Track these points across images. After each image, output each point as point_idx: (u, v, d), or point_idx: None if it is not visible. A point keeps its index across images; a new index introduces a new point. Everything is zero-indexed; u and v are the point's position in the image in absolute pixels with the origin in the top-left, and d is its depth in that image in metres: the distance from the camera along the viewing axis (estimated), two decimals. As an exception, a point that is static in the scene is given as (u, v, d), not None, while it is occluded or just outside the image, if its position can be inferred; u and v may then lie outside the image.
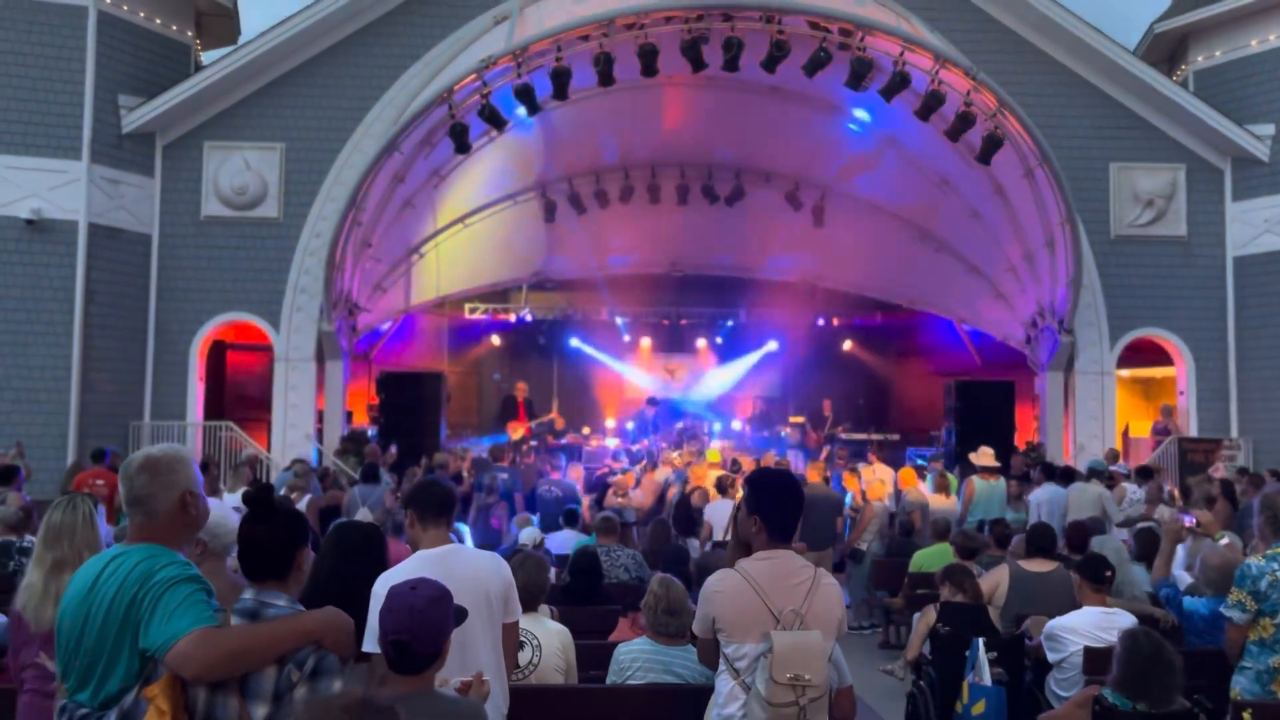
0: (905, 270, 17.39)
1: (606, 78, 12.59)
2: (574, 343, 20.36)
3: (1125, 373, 16.94)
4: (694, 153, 16.60)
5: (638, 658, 4.59)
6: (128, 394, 14.84)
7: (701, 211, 17.15)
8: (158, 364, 15.07)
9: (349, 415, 15.67)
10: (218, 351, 16.12)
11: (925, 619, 6.52)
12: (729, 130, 15.80)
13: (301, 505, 9.80)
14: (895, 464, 15.53)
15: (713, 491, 11.26)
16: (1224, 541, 6.43)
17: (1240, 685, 4.65)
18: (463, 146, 13.22)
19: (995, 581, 6.62)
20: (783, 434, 18.98)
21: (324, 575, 3.60)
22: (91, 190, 14.42)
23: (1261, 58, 15.83)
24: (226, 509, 4.09)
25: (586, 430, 19.17)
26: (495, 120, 12.85)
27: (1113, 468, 12.41)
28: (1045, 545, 6.76)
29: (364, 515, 8.89)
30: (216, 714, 2.57)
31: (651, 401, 18.94)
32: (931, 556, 8.71)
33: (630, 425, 19.08)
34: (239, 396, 16.58)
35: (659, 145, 16.35)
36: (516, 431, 16.96)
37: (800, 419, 19.26)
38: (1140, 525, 8.83)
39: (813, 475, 11.36)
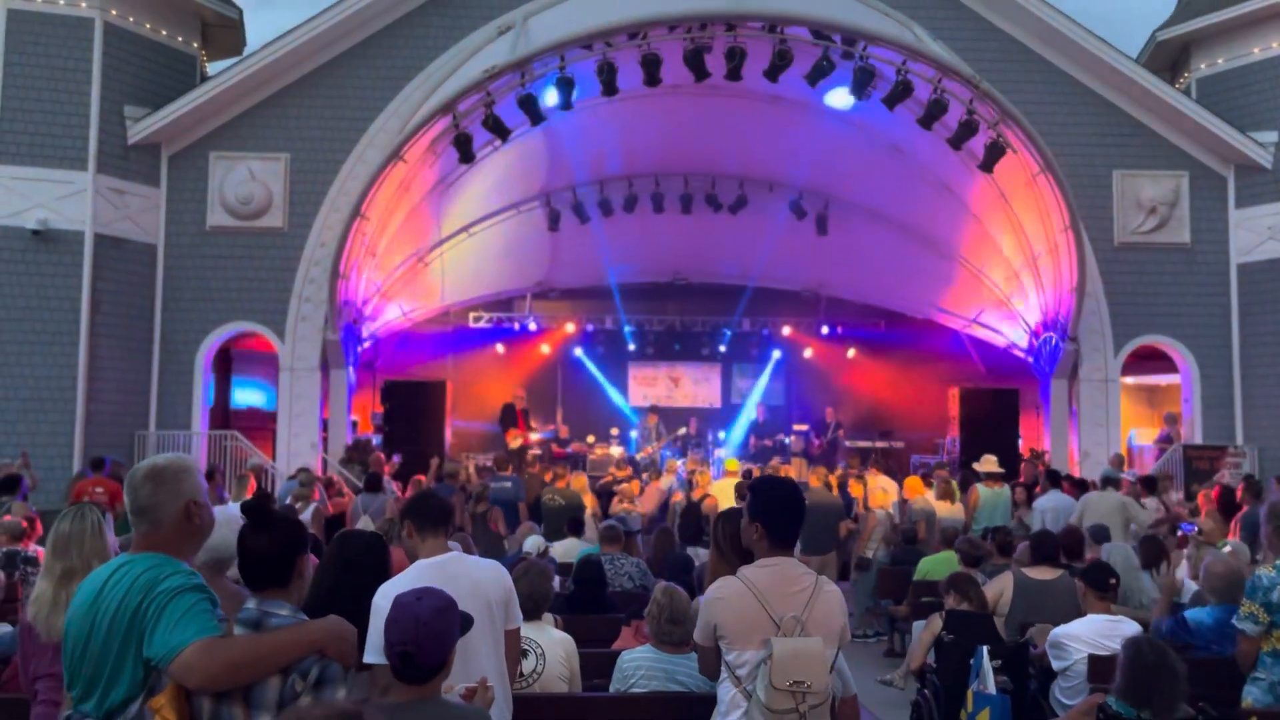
0: (909, 278, 17.41)
1: (610, 87, 12.64)
2: (578, 352, 20.37)
3: (1130, 380, 16.92)
4: (697, 162, 16.64)
5: (641, 666, 4.59)
6: (133, 403, 14.87)
7: (705, 220, 17.18)
8: (163, 373, 15.11)
9: (354, 424, 15.69)
10: (223, 360, 16.16)
11: (930, 627, 6.50)
12: (732, 139, 15.83)
13: (307, 514, 9.82)
14: (901, 471, 15.53)
15: (734, 499, 11.27)
16: (1226, 549, 6.42)
17: (1253, 696, 4.63)
18: (467, 156, 13.27)
19: (1000, 589, 6.61)
20: (785, 441, 18.99)
21: (327, 585, 3.61)
22: (97, 201, 14.48)
23: (1263, 65, 15.84)
24: (227, 519, 4.10)
25: (591, 439, 19.18)
26: (499, 130, 12.90)
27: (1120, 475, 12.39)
28: (1050, 553, 6.75)
29: (365, 524, 8.91)
30: (221, 723, 2.58)
31: (653, 410, 18.94)
32: (936, 564, 8.70)
33: (634, 434, 19.08)
34: (244, 405, 16.64)
35: (662, 154, 16.39)
36: (515, 440, 16.96)
37: (804, 426, 19.27)
38: (1145, 534, 8.83)
39: (813, 481, 11.36)
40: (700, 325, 20.37)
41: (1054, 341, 14.98)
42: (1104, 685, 4.60)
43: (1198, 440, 15.61)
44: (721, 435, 19.28)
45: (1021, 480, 12.74)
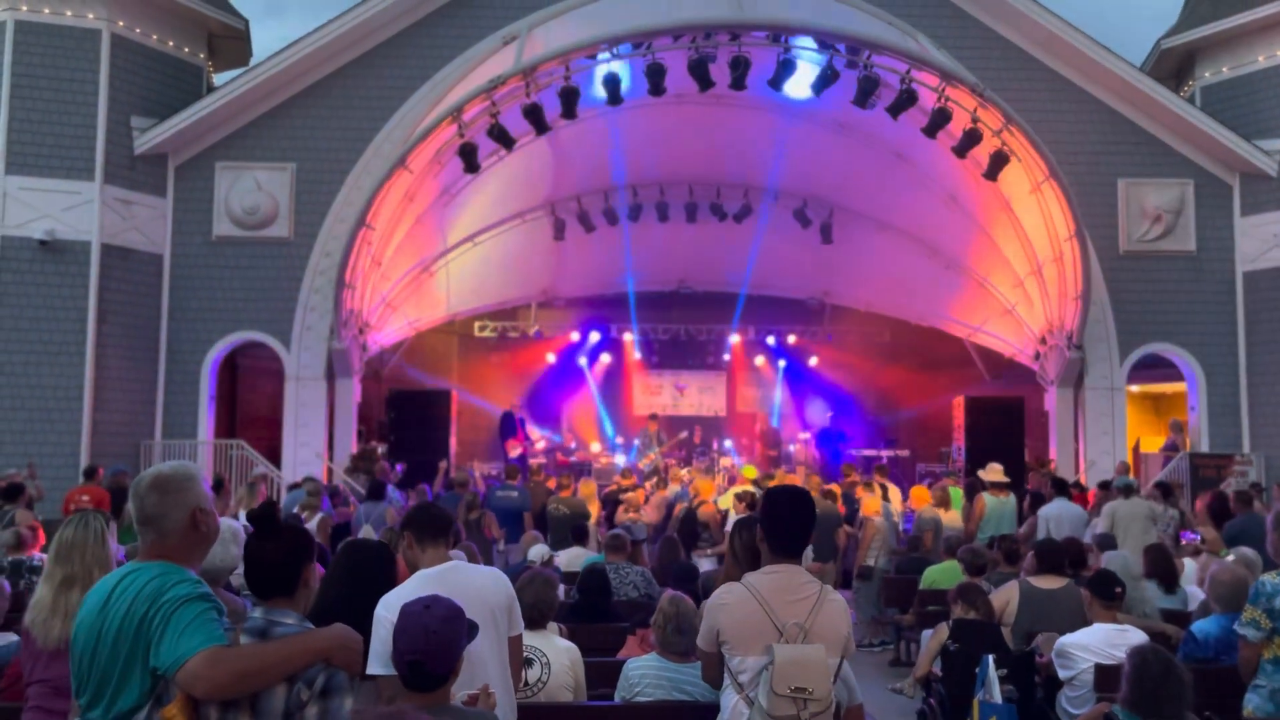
0: (913, 286, 17.40)
1: (614, 97, 12.66)
2: (582, 361, 20.39)
3: (1135, 388, 16.90)
4: (702, 170, 16.66)
5: (646, 675, 4.59)
6: (139, 413, 14.91)
7: (710, 229, 17.21)
8: (169, 383, 15.15)
9: (359, 433, 15.71)
10: (229, 369, 16.19)
11: (937, 636, 6.49)
12: (736, 148, 15.86)
13: (313, 524, 9.83)
14: (906, 480, 15.52)
15: (734, 507, 11.29)
16: (1230, 557, 6.40)
17: (1254, 704, 4.61)
18: (472, 166, 13.29)
19: (1005, 598, 6.60)
20: (790, 450, 18.98)
21: (332, 594, 3.62)
22: (104, 211, 14.54)
23: (1268, 73, 15.84)
24: (220, 534, 4.11)
25: (596, 447, 19.19)
26: (504, 139, 12.93)
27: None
28: (1056, 562, 6.73)
29: (366, 533, 8.91)
30: (228, 732, 2.59)
31: (652, 418, 18.95)
32: (942, 573, 8.69)
33: (637, 442, 19.09)
34: (250, 415, 16.67)
35: (667, 164, 16.41)
36: (515, 450, 16.99)
37: (808, 435, 19.26)
38: (1151, 542, 8.79)
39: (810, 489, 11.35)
40: (705, 334, 20.39)
41: (1060, 350, 14.96)
42: (1110, 695, 4.59)
43: (1204, 448, 15.56)
44: (728, 443, 19.28)
45: (1030, 488, 12.71)
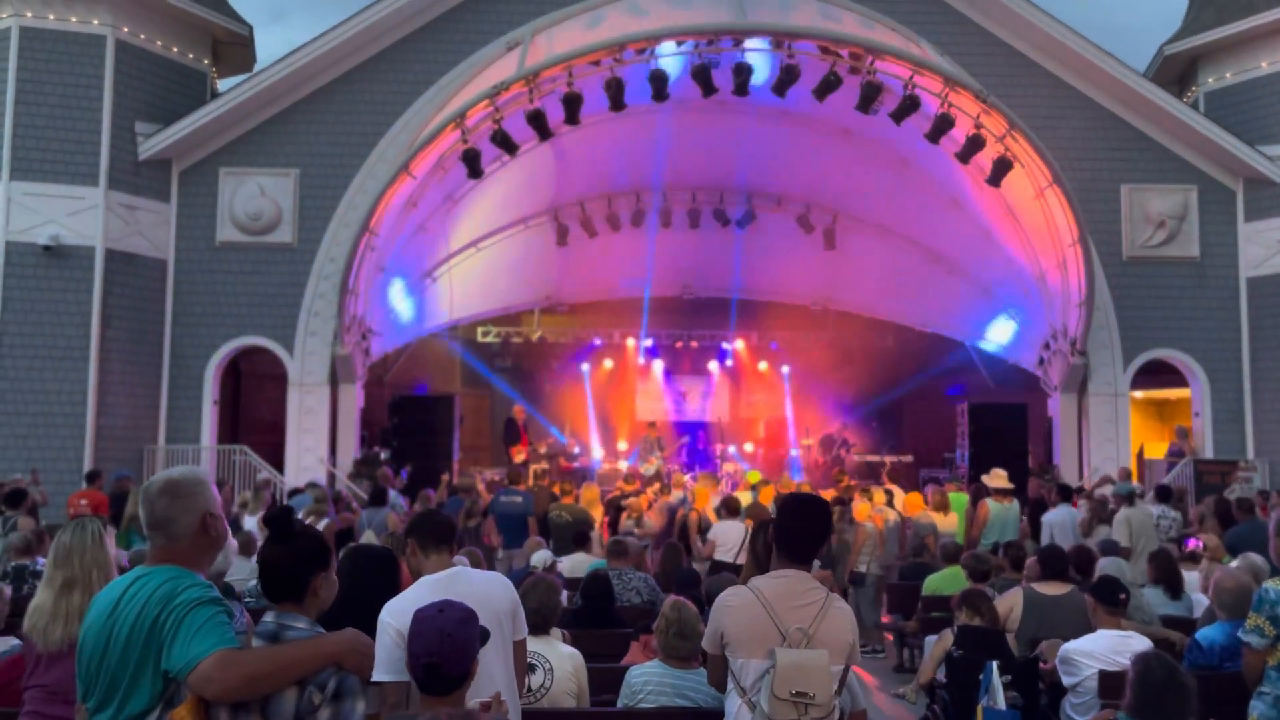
0: (917, 292, 17.40)
1: (618, 103, 12.68)
2: (585, 366, 20.39)
3: (1139, 394, 16.87)
4: (705, 176, 16.69)
5: (649, 681, 4.58)
6: (142, 418, 14.93)
7: (713, 235, 17.23)
8: (172, 388, 15.16)
9: (362, 438, 15.72)
10: (232, 374, 16.21)
11: (941, 642, 6.47)
12: (739, 154, 15.88)
13: (319, 529, 9.84)
14: (910, 486, 15.49)
15: (720, 512, 11.31)
16: (1235, 563, 6.38)
17: (1259, 711, 4.59)
18: (475, 171, 13.31)
19: (1009, 605, 6.58)
20: (793, 455, 18.97)
21: (337, 599, 3.62)
22: (108, 216, 14.57)
23: (1272, 79, 15.84)
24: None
25: (599, 453, 19.19)
26: (507, 145, 12.95)
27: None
28: (1059, 568, 6.71)
29: (369, 539, 8.92)
30: (238, 736, 2.60)
31: (651, 424, 18.95)
32: (945, 580, 8.67)
33: (638, 448, 19.08)
34: (253, 420, 16.68)
35: (670, 169, 16.44)
36: (519, 455, 17.00)
37: (811, 441, 19.24)
38: (1155, 549, 8.77)
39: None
40: (708, 339, 20.39)
41: (1063, 355, 14.94)
42: (1114, 701, 4.58)
43: (1209, 454, 15.54)
44: (732, 449, 19.27)
45: (1031, 496, 12.70)
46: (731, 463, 18.01)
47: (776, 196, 17.12)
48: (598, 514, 12.29)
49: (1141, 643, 5.30)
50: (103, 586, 3.46)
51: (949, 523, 11.44)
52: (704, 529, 10.99)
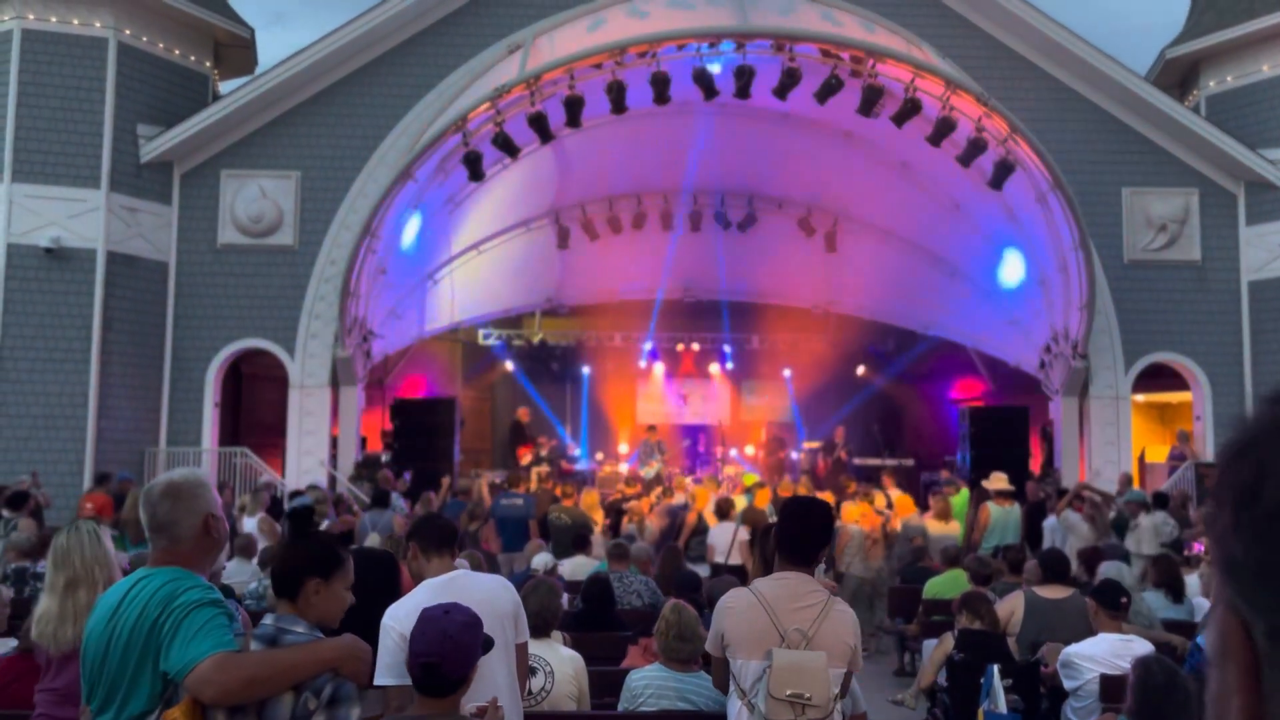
0: (918, 295, 17.40)
1: (619, 105, 12.69)
2: (586, 369, 20.39)
3: (1141, 398, 16.86)
4: (706, 179, 16.69)
5: (650, 684, 4.58)
6: (143, 420, 14.93)
7: (714, 238, 17.24)
8: (173, 390, 15.16)
9: (363, 441, 15.72)
10: (233, 377, 16.22)
11: (942, 646, 6.47)
12: (741, 157, 15.89)
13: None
14: (911, 490, 15.47)
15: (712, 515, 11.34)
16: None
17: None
18: (476, 174, 13.32)
19: (1011, 608, 6.58)
20: (794, 459, 18.96)
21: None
22: (110, 219, 14.57)
23: (1273, 82, 15.83)
24: None
25: (600, 455, 19.18)
26: (509, 148, 12.95)
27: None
28: (1060, 571, 6.71)
29: (373, 541, 8.91)
30: (234, 739, 2.60)
31: (650, 428, 18.94)
32: (945, 583, 8.67)
33: (638, 452, 19.08)
34: (254, 422, 16.68)
35: (671, 172, 16.44)
36: (526, 457, 17.01)
37: (815, 444, 19.24)
38: (1158, 553, 8.77)
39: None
40: (709, 342, 20.39)
41: (1064, 359, 14.93)
42: (1115, 705, 4.57)
43: (1210, 458, 15.51)
44: (733, 452, 19.26)
45: (1029, 500, 12.67)
46: (733, 465, 18.00)
47: (777, 199, 17.13)
48: (597, 518, 12.29)
49: (1143, 646, 5.30)
50: (106, 582, 3.49)
51: (951, 529, 11.44)
52: (701, 531, 11.01)
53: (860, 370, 20.43)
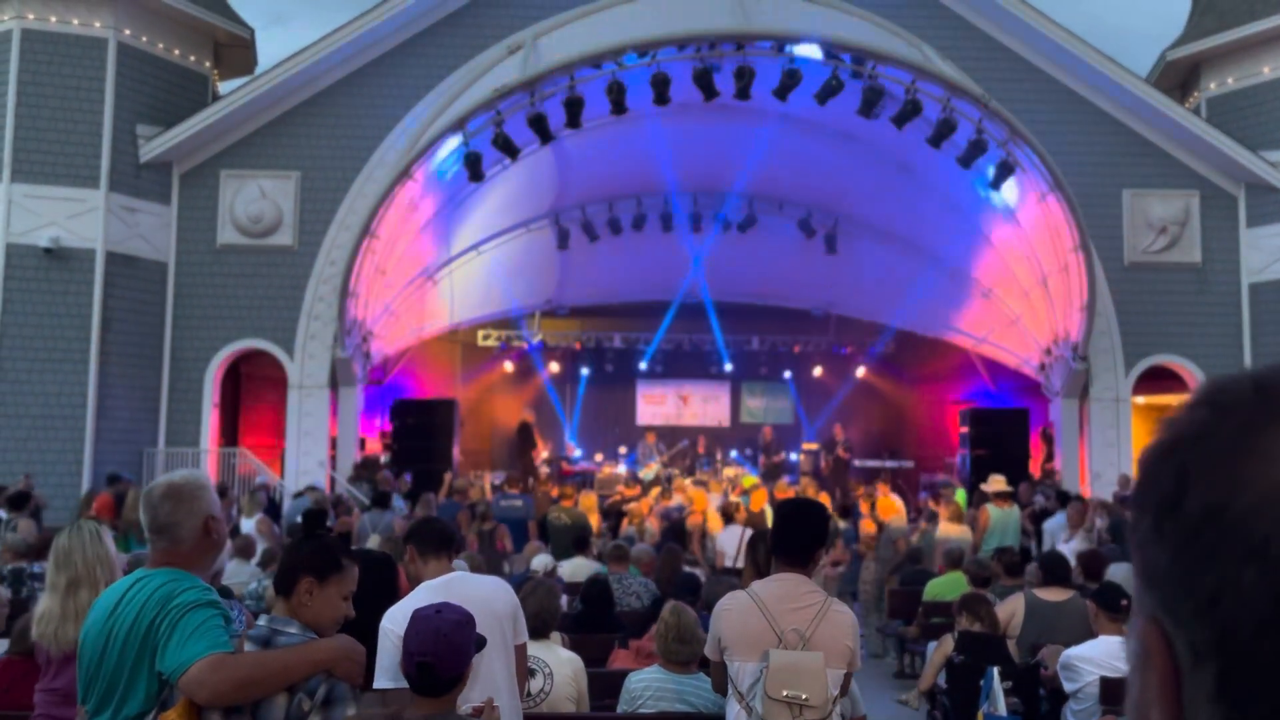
0: (918, 297, 17.37)
1: (619, 106, 12.68)
2: (585, 370, 20.38)
3: (1141, 400, 16.84)
4: (707, 181, 16.68)
5: (649, 686, 4.56)
6: (142, 420, 14.91)
7: (714, 239, 17.21)
8: (172, 390, 15.14)
9: (362, 442, 15.70)
10: (232, 377, 16.20)
11: (942, 648, 6.46)
12: (741, 158, 15.87)
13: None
14: (911, 491, 15.48)
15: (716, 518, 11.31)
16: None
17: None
18: (476, 175, 13.31)
19: (1011, 610, 6.56)
20: (794, 460, 18.95)
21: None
22: (109, 219, 14.55)
23: (1274, 85, 15.83)
24: None
25: (599, 457, 19.16)
26: (509, 149, 12.94)
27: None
28: (1061, 574, 6.69)
29: (373, 543, 8.89)
30: (229, 740, 2.59)
31: (649, 429, 18.92)
32: (945, 585, 8.65)
33: (636, 453, 19.06)
34: (253, 423, 16.66)
35: (672, 173, 16.42)
36: (541, 456, 17.05)
37: (814, 445, 19.23)
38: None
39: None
40: (709, 344, 20.38)
41: (1065, 361, 14.92)
42: (1116, 707, 4.55)
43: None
44: (733, 454, 19.25)
45: (1023, 501, 12.62)
46: (732, 467, 17.99)
47: (778, 201, 17.12)
48: (595, 521, 12.26)
49: (1144, 649, 5.27)
50: (107, 582, 3.48)
51: (964, 532, 11.40)
52: (702, 535, 10.99)
53: (860, 372, 20.41)
